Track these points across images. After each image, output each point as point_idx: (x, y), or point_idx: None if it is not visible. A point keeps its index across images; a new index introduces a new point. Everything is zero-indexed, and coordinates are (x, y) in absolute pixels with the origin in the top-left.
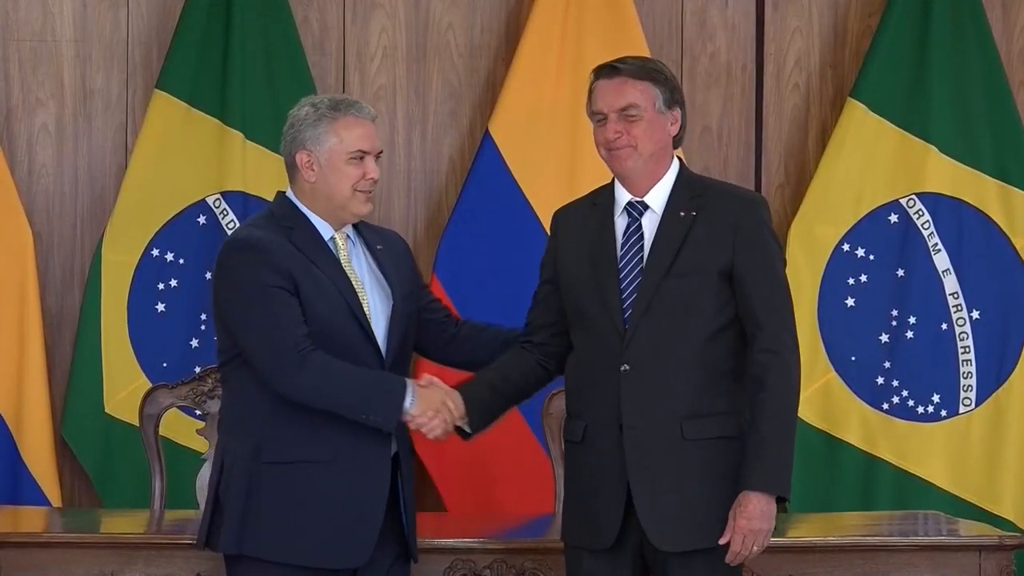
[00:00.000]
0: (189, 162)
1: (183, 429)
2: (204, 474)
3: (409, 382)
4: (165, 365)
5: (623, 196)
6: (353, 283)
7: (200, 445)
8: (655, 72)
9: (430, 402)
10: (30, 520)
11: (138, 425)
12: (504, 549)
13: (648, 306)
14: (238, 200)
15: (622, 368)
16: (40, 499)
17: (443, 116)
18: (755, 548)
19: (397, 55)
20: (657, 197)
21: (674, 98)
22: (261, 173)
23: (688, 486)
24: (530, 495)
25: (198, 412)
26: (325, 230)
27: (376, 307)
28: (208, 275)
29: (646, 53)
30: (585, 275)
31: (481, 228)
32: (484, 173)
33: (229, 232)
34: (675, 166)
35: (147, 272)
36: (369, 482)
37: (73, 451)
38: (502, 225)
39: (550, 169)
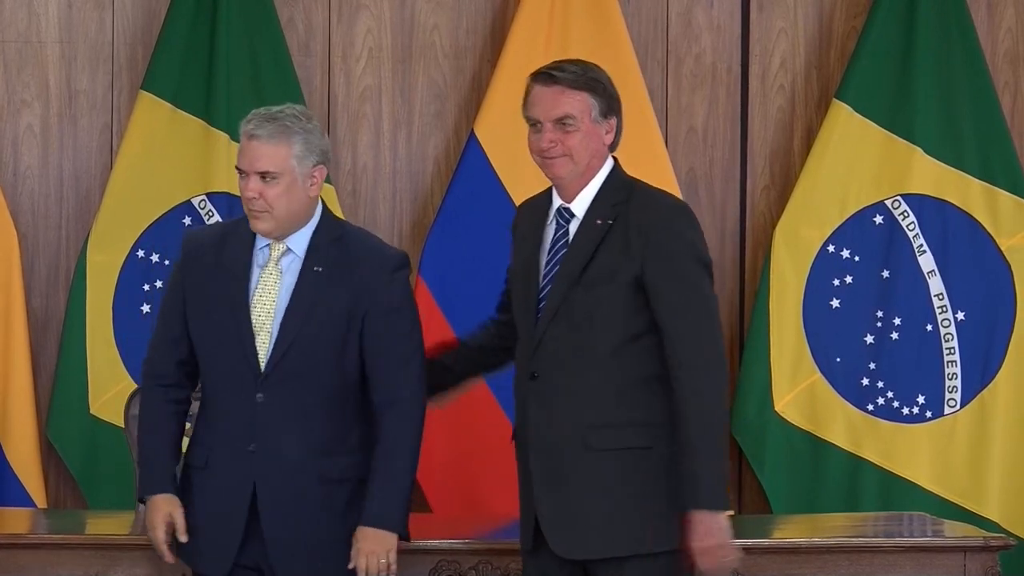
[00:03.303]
0: (174, 163)
1: None
2: None
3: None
4: None
5: (556, 201)
6: (257, 299)
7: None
8: (593, 81)
9: (150, 518)
10: (14, 521)
11: (123, 426)
12: (489, 550)
13: (555, 315)
14: (223, 201)
15: (531, 376)
16: (25, 500)
17: (428, 117)
18: (725, 561)
19: (382, 56)
20: (581, 204)
21: (611, 107)
22: None
23: (592, 496)
24: (515, 496)
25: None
26: (261, 239)
27: (279, 328)
28: None
29: (631, 54)
30: (517, 280)
31: (466, 229)
32: (469, 174)
33: None
34: (603, 172)
35: (132, 273)
36: (230, 492)
37: (58, 452)
38: (487, 226)
39: (535, 170)
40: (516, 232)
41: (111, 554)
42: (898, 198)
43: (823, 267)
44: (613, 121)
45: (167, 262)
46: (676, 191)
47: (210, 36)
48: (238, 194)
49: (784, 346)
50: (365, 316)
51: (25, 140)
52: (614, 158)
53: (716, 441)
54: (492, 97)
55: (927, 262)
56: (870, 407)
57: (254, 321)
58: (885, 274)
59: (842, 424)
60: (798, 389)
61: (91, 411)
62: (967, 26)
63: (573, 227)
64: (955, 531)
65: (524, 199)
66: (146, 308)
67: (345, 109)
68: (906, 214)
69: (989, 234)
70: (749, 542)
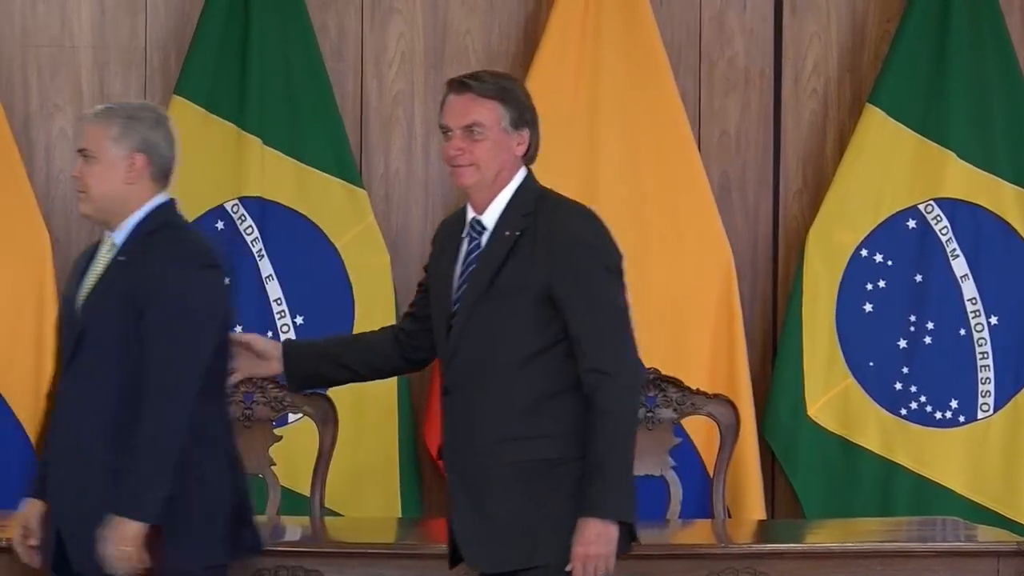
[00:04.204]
0: (207, 167)
1: None
2: None
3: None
4: None
5: (470, 213)
6: (80, 292)
7: None
8: (505, 91)
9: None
10: None
11: None
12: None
13: (465, 328)
14: (256, 206)
15: (445, 391)
16: None
17: None
18: (598, 574)
19: (415, 60)
20: (492, 216)
21: (523, 118)
22: (279, 179)
23: (504, 508)
24: None
25: None
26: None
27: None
28: (227, 281)
29: (664, 58)
30: (434, 295)
31: None
32: None
33: (247, 237)
34: (514, 183)
35: None
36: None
37: None
38: None
39: (568, 174)
40: (435, 246)
41: None
42: (931, 202)
43: (856, 271)
44: (526, 133)
45: None
46: (709, 195)
47: (243, 40)
48: (272, 199)
49: (817, 350)
50: (145, 307)
51: (58, 144)
52: (529, 170)
53: (622, 451)
54: None
55: (960, 266)
56: (903, 411)
57: (69, 314)
58: (918, 278)
59: (875, 428)
60: (831, 393)
61: None
62: (1000, 30)
63: (484, 239)
64: (988, 536)
65: None
66: None
67: (378, 113)
68: (939, 218)
69: (1022, 238)
70: (782, 547)
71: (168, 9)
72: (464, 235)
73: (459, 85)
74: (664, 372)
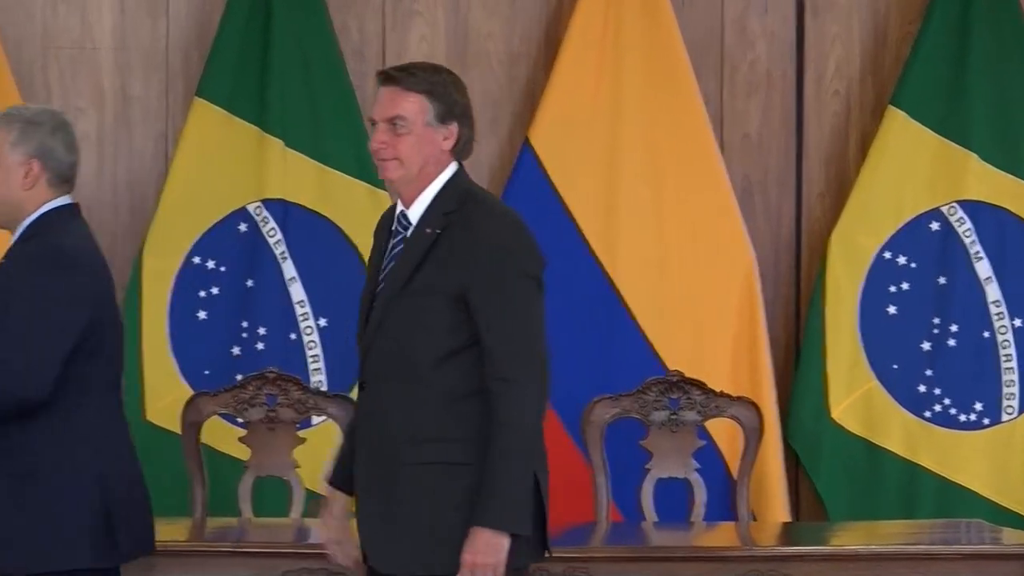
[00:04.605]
0: (229, 169)
1: (224, 437)
2: (247, 481)
3: None
4: (207, 373)
5: (399, 207)
6: None
7: (241, 452)
8: (432, 84)
9: None
10: None
11: (179, 432)
12: (545, 557)
13: (379, 325)
14: (278, 208)
15: (360, 386)
16: None
17: (482, 124)
18: None
19: (436, 62)
20: (416, 211)
21: (451, 112)
22: (301, 180)
23: (409, 510)
24: (570, 503)
25: (239, 420)
26: None
27: None
28: (250, 283)
29: (686, 61)
30: (364, 286)
31: None
32: (523, 182)
33: (270, 239)
34: (441, 179)
35: (188, 279)
36: None
37: None
38: (540, 234)
39: (589, 177)
40: (374, 238)
41: (167, 560)
42: (954, 204)
43: (879, 274)
44: (454, 127)
45: (223, 268)
46: (731, 198)
47: (264, 42)
48: (295, 201)
49: (840, 353)
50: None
51: (81, 147)
52: (461, 165)
53: (518, 460)
54: (546, 104)
55: (984, 269)
56: (927, 414)
57: None
58: (941, 281)
59: (899, 431)
60: (854, 396)
61: (147, 417)
62: (1020, 31)
63: (408, 235)
64: (1013, 538)
65: (579, 205)
66: (202, 314)
67: None
68: (962, 220)
69: None
70: (806, 549)
71: (189, 11)
72: (394, 228)
73: (386, 78)
74: (687, 375)
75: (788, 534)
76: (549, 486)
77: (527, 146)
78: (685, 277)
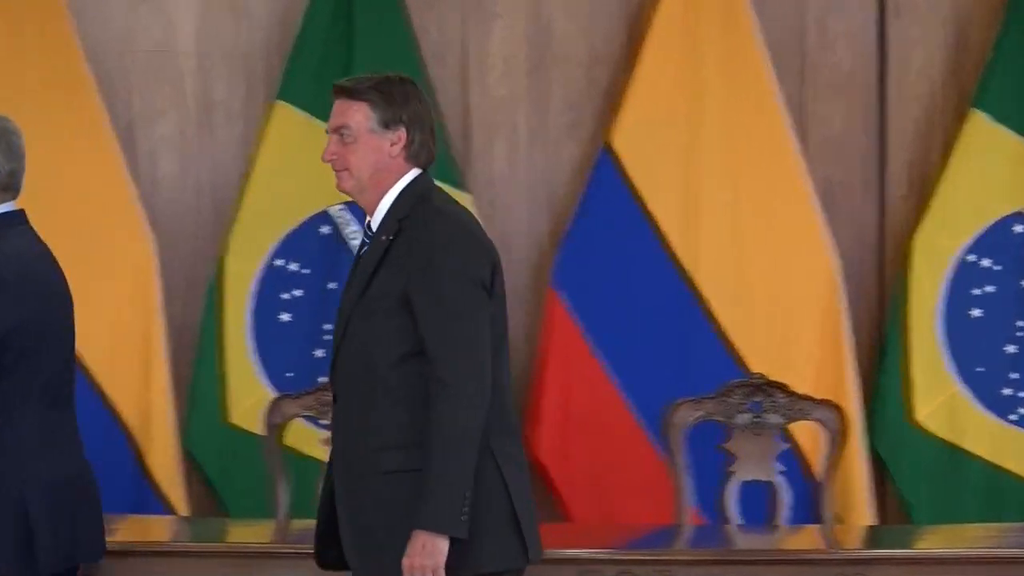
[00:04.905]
0: (310, 172)
1: (306, 439)
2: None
3: None
4: (290, 375)
5: (367, 217)
6: None
7: (323, 455)
8: (374, 92)
9: None
10: (156, 529)
11: (261, 435)
12: (629, 560)
13: (344, 334)
14: (359, 210)
15: (334, 398)
16: (167, 509)
17: (563, 127)
18: None
19: (517, 65)
20: (377, 220)
21: (397, 117)
22: None
23: (379, 518)
24: (649, 505)
25: (321, 422)
26: None
27: None
28: (332, 285)
29: (767, 63)
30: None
31: (600, 240)
32: (601, 184)
33: (351, 242)
34: (400, 185)
35: (270, 282)
36: None
37: (197, 461)
38: (617, 236)
39: (670, 179)
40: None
41: (251, 562)
42: None
43: (962, 276)
44: (401, 132)
45: (306, 271)
46: (812, 201)
47: (345, 45)
48: None
49: (923, 356)
50: None
51: (162, 150)
52: (423, 171)
53: (454, 463)
54: (627, 106)
55: None
56: (1012, 417)
57: None
58: None
59: (983, 434)
60: (938, 399)
61: (229, 420)
62: None
63: (369, 243)
64: None
65: (660, 207)
66: (285, 317)
67: (480, 119)
68: None
69: None
70: (890, 553)
71: (271, 15)
72: (362, 239)
73: (337, 89)
74: (770, 377)
75: (872, 538)
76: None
77: (607, 149)
78: (766, 279)
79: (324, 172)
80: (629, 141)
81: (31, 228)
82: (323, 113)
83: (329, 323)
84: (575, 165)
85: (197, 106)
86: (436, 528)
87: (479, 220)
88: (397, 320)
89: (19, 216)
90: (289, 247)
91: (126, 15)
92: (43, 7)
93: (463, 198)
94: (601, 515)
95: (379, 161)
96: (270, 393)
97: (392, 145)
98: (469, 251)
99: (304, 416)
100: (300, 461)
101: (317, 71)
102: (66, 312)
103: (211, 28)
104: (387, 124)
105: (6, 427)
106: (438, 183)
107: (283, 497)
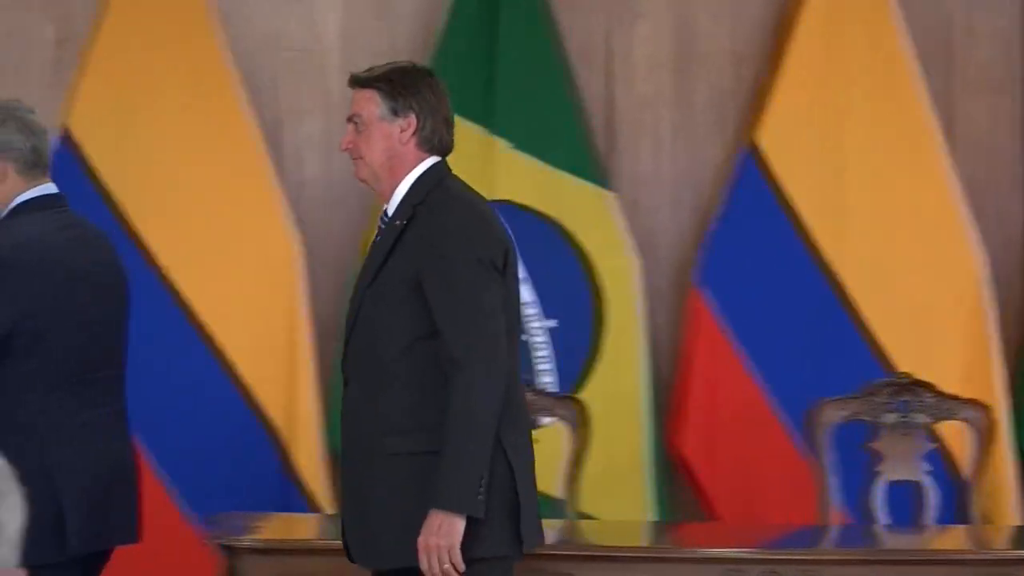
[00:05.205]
0: (454, 170)
1: None
2: None
3: None
4: None
5: (384, 205)
6: None
7: None
8: (382, 79)
9: None
10: (301, 527)
11: None
12: (775, 559)
13: (356, 318)
14: (504, 209)
15: (345, 382)
16: (310, 507)
17: (708, 125)
18: (446, 567)
19: (661, 64)
20: (392, 206)
21: (406, 104)
22: (526, 181)
23: (384, 502)
24: (792, 504)
25: None
26: None
27: None
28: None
29: (911, 61)
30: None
31: (745, 239)
32: (746, 183)
33: None
34: (415, 172)
35: None
36: None
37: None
38: (759, 234)
39: (814, 178)
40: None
41: None
42: None
43: None
44: (411, 118)
45: None
46: (957, 199)
47: (489, 43)
48: (519, 201)
49: None
50: None
51: (307, 149)
52: (441, 160)
53: (470, 443)
54: (772, 104)
55: None
56: None
57: None
58: None
59: None
60: None
61: None
62: None
63: (384, 229)
64: None
65: (804, 205)
66: None
67: (625, 117)
68: None
69: None
70: None
71: (414, 14)
72: (379, 226)
73: (350, 79)
74: (917, 377)
75: (1021, 538)
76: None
77: (751, 147)
78: (911, 278)
79: (468, 171)
80: (773, 139)
81: (67, 211)
82: (468, 112)
83: None
84: (719, 164)
85: (342, 106)
86: (452, 508)
87: (623, 218)
88: (408, 306)
89: (52, 199)
90: None
91: (271, 16)
92: (188, 8)
93: (607, 197)
94: (745, 514)
95: (390, 148)
96: None
97: (402, 132)
98: (481, 236)
99: None
100: None
101: (461, 70)
102: (97, 297)
103: (355, 28)
104: (396, 111)
105: (20, 409)
106: (582, 181)
107: None
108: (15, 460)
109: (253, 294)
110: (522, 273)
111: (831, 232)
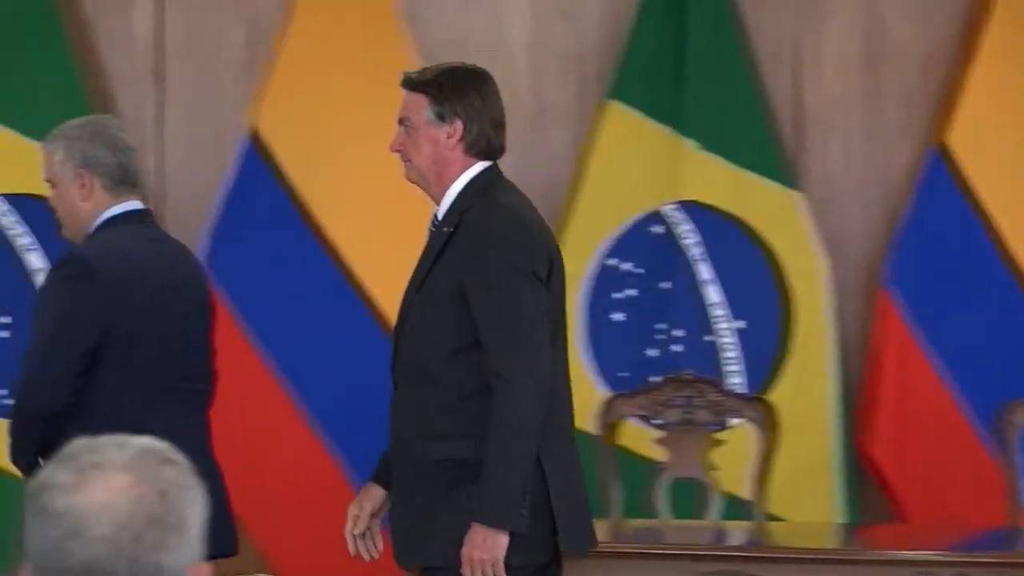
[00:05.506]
0: (643, 172)
1: (640, 438)
2: (664, 483)
3: None
4: (625, 375)
5: (435, 208)
6: None
7: (657, 454)
8: (431, 83)
9: None
10: None
11: (595, 434)
12: (968, 562)
13: (403, 323)
14: (692, 210)
15: (394, 385)
16: None
17: (898, 125)
18: None
19: (851, 64)
20: (442, 211)
21: (452, 110)
22: (715, 182)
23: (426, 505)
24: (982, 506)
25: (655, 421)
26: None
27: None
28: (665, 285)
29: None
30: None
31: (933, 239)
32: (936, 183)
33: (685, 242)
34: (465, 177)
35: (602, 281)
36: None
37: None
38: (953, 236)
39: (1005, 179)
40: None
41: (585, 562)
42: None
43: None
44: (457, 124)
45: (639, 270)
46: None
47: (677, 44)
48: (707, 202)
49: None
50: None
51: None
52: (492, 165)
53: (512, 456)
54: (963, 104)
55: None
56: None
57: None
58: None
59: None
60: None
61: None
62: None
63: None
64: None
65: (996, 207)
66: (617, 316)
67: (814, 117)
68: None
69: None
70: None
71: (603, 14)
72: (431, 230)
73: (403, 80)
74: None
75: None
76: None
77: (941, 148)
78: None
79: (656, 171)
80: (964, 140)
81: (155, 227)
82: (656, 113)
83: (663, 323)
84: (909, 164)
85: (531, 108)
86: (494, 523)
87: (811, 218)
88: (452, 314)
89: (140, 214)
90: (621, 246)
91: (457, 18)
92: (375, 11)
93: (794, 197)
94: (935, 515)
95: (436, 153)
96: (603, 392)
97: (448, 137)
98: (524, 245)
99: (637, 415)
100: (633, 461)
101: (649, 70)
102: (183, 312)
103: (542, 29)
104: (442, 116)
105: (95, 418)
106: (770, 182)
107: (616, 496)
108: None
109: None
110: (710, 274)
111: (1021, 233)
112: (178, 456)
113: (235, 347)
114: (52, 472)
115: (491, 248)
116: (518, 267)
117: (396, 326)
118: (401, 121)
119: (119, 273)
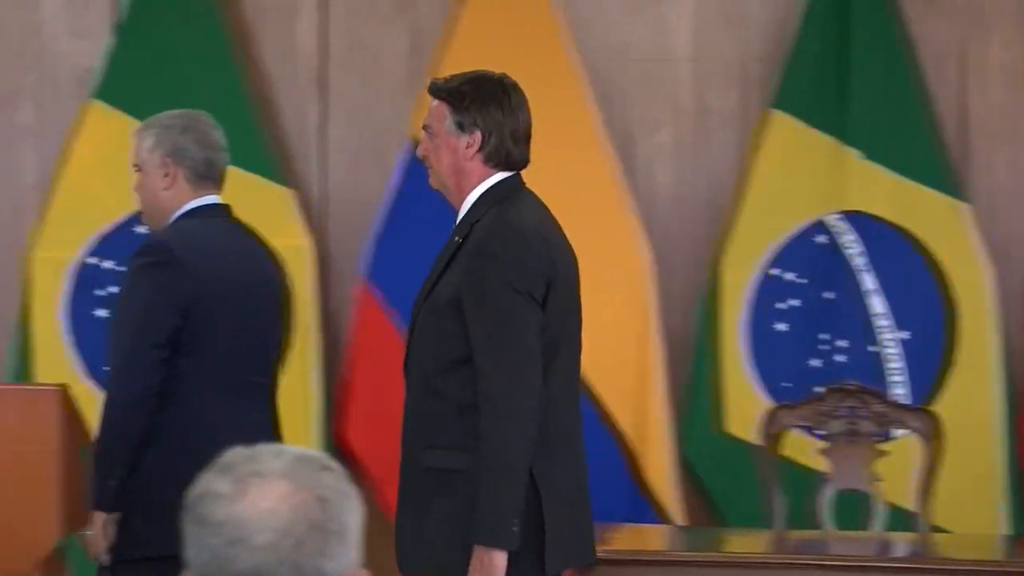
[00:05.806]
0: (806, 181)
1: (803, 449)
2: (828, 494)
3: None
4: (788, 385)
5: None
6: None
7: (820, 465)
8: (454, 92)
9: None
10: (652, 538)
11: (757, 444)
12: None
13: (412, 332)
14: (857, 220)
15: (407, 390)
16: (661, 518)
17: (1002, 137)
18: None
19: (1018, 73)
20: (458, 220)
21: (472, 121)
22: (879, 192)
23: (424, 513)
24: None
25: (818, 432)
26: None
27: None
28: (828, 295)
29: None
30: None
31: None
32: None
33: (849, 251)
34: (482, 187)
35: (766, 291)
36: None
37: (692, 470)
38: None
39: None
40: None
41: (748, 573)
42: None
43: None
44: (476, 135)
45: (802, 280)
46: None
47: (841, 52)
48: (871, 212)
49: None
50: None
51: (659, 159)
52: (515, 175)
53: (503, 474)
54: None
55: None
56: None
57: None
58: None
59: None
60: None
61: (725, 429)
62: None
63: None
64: None
65: None
66: (781, 326)
67: (979, 126)
68: None
69: None
70: None
71: (768, 22)
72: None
73: (429, 86)
74: None
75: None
76: None
77: None
78: None
79: (820, 181)
80: None
81: (235, 222)
82: (819, 122)
83: (826, 333)
84: None
85: (694, 115)
86: (488, 542)
87: (978, 229)
88: (452, 326)
89: (221, 208)
90: (785, 256)
91: (621, 25)
92: (538, 19)
93: (960, 207)
94: None
95: (456, 163)
96: (766, 402)
97: (468, 147)
98: (520, 262)
99: (800, 426)
100: (796, 471)
101: (813, 79)
102: (255, 307)
103: (706, 35)
104: (462, 126)
105: (173, 406)
106: (935, 192)
107: (779, 507)
108: (165, 459)
109: (605, 306)
110: (873, 284)
111: None
112: (335, 463)
113: (397, 356)
114: (211, 481)
115: (486, 265)
116: (511, 284)
117: (408, 334)
118: (425, 128)
119: (197, 260)
